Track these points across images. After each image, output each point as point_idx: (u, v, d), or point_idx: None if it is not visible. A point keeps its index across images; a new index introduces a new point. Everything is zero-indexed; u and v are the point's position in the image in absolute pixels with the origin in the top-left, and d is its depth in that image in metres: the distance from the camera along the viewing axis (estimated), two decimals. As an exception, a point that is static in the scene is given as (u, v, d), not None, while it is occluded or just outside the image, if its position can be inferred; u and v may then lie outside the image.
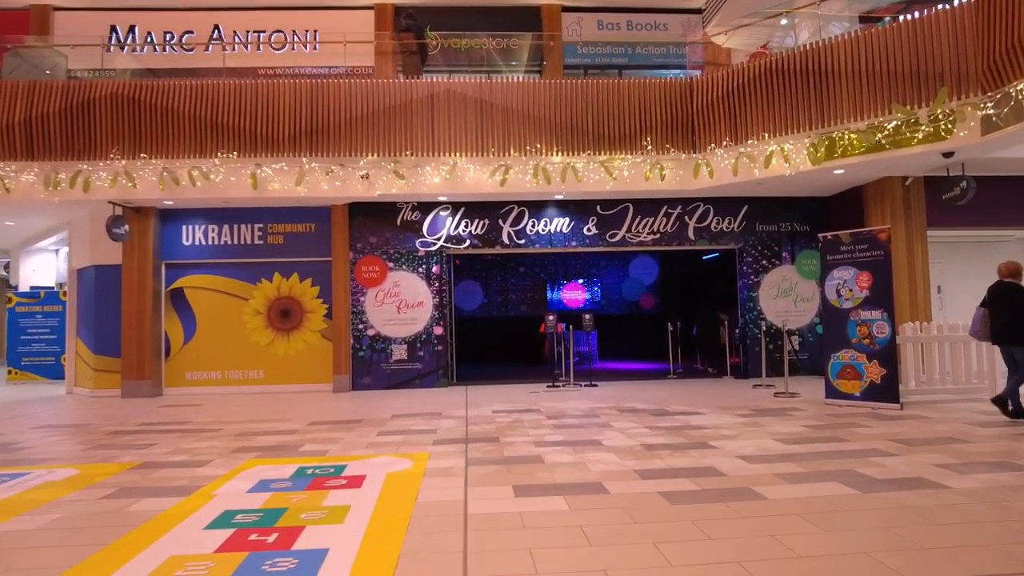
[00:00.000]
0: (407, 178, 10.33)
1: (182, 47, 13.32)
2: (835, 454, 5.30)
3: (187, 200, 10.50)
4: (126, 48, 13.29)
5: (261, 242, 11.37)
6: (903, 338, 8.07)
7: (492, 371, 13.93)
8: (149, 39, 13.32)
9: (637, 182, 10.61)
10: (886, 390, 7.46)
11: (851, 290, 7.91)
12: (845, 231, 8.25)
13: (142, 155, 10.15)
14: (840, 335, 7.96)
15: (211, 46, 12.92)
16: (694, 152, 10.75)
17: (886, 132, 8.72)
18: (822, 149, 9.36)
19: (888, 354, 7.48)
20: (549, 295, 16.89)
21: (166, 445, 6.35)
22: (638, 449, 5.61)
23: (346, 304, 11.06)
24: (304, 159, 10.29)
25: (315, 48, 13.03)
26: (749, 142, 10.08)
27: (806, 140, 9.52)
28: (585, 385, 10.80)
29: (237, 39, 13.07)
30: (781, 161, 9.80)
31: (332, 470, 5.10)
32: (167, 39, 13.17)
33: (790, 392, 9.07)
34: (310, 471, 5.08)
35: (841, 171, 9.77)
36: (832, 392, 8.02)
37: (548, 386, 10.77)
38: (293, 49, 13.14)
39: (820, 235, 8.48)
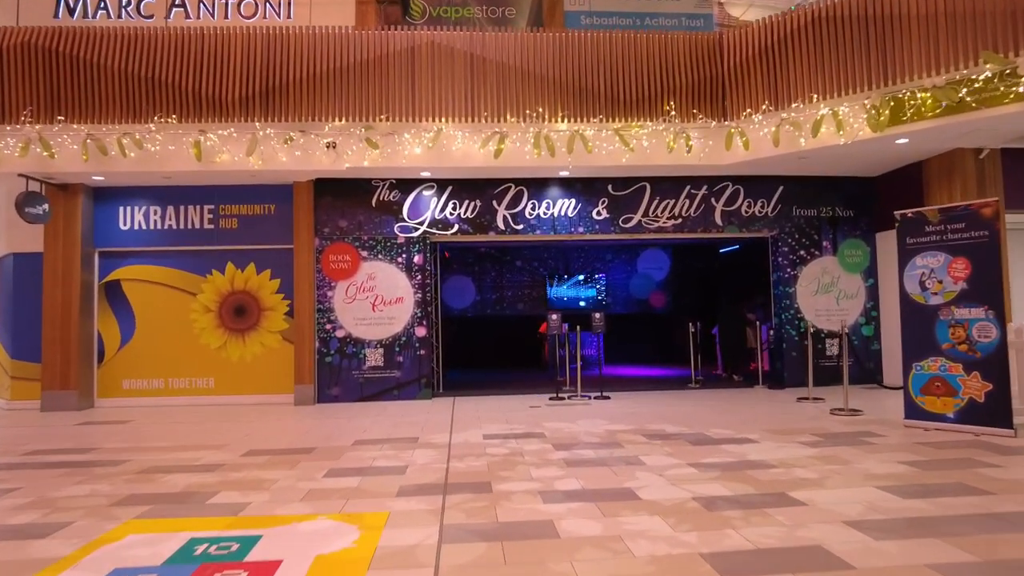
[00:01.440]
0: (382, 148, 8.58)
1: (139, 13, 11.53)
2: (986, 518, 3.59)
3: (118, 174, 8.71)
4: (76, 13, 11.48)
5: (212, 226, 9.60)
6: (1016, 343, 6.31)
7: (484, 379, 12.18)
8: (102, 5, 11.52)
9: (658, 155, 8.89)
10: (993, 411, 5.76)
11: (940, 281, 6.21)
12: (932, 207, 6.54)
13: (60, 118, 8.36)
14: (925, 339, 6.26)
15: (172, 12, 11.12)
16: (725, 119, 9.04)
17: (973, 87, 7.02)
18: (885, 112, 7.66)
19: (995, 364, 5.78)
20: (549, 292, 15.17)
21: (29, 491, 4.59)
22: (693, 508, 3.88)
23: (310, 300, 9.30)
24: (258, 124, 8.53)
25: (289, 16, 11.26)
26: (793, 106, 8.37)
27: (865, 101, 7.82)
28: (595, 397, 9.08)
29: (203, 7, 11.27)
30: (832, 129, 8.11)
31: (236, 546, 3.35)
32: (122, 4, 11.36)
33: (851, 409, 7.36)
34: (201, 548, 3.33)
35: (905, 140, 8.08)
36: (914, 411, 6.32)
37: (551, 398, 9.05)
38: (265, 17, 11.36)
39: (898, 213, 6.76)
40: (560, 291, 15.20)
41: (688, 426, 6.67)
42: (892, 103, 7.62)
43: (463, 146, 8.67)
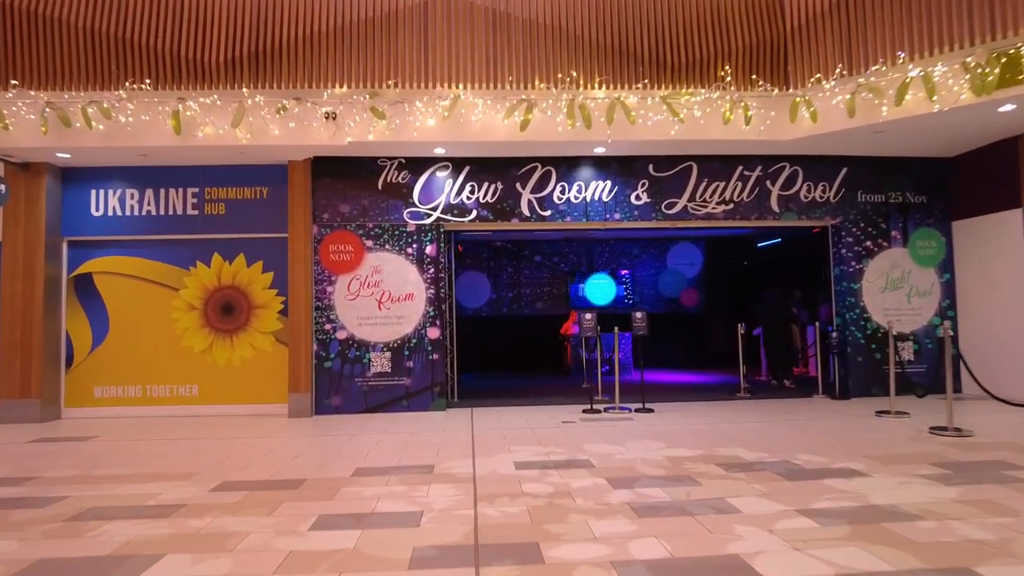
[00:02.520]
0: (389, 119, 7.37)
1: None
2: None
3: (85, 150, 7.54)
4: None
5: (196, 212, 8.41)
6: None
7: (503, 385, 10.95)
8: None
9: (712, 127, 7.64)
10: None
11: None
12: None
13: (14, 83, 7.20)
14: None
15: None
16: (788, 88, 7.78)
17: (1113, 35, 5.73)
18: (994, 72, 6.37)
19: None
20: (571, 290, 13.91)
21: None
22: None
23: (307, 296, 8.09)
24: (245, 92, 7.34)
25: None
26: (874, 68, 7.10)
27: (968, 59, 6.53)
28: (636, 409, 7.82)
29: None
30: (921, 95, 6.83)
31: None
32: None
33: (955, 428, 6.07)
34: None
35: (1011, 107, 6.79)
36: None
37: (585, 411, 7.80)
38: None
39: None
40: (583, 289, 13.93)
41: (767, 450, 5.41)
42: (1003, 60, 6.33)
43: (484, 117, 7.44)
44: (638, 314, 7.90)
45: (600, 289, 13.91)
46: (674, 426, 6.73)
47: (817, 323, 11.50)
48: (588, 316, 7.85)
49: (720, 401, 8.74)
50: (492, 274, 13.89)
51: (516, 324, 13.78)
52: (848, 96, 7.21)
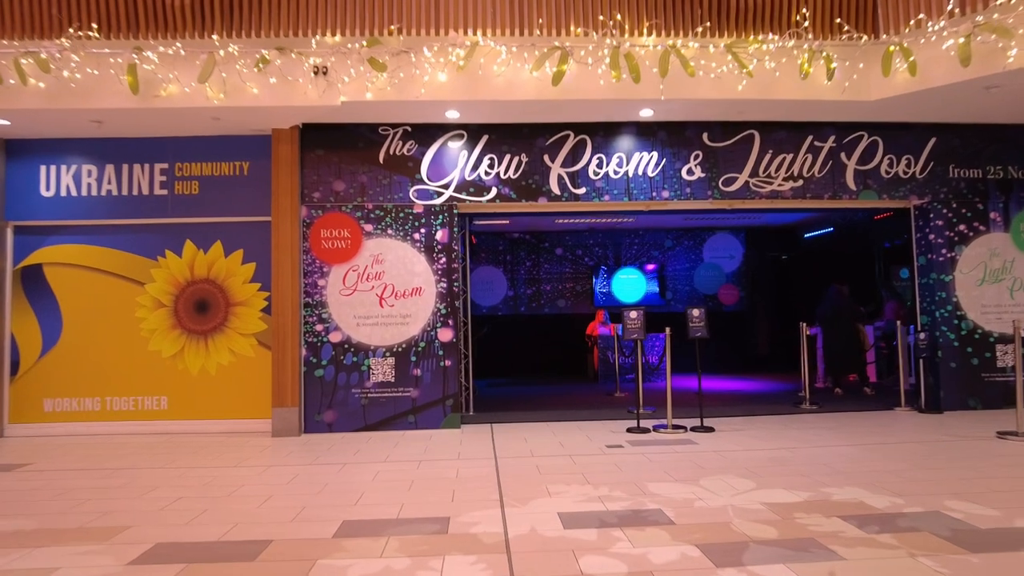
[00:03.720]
0: (392, 73, 6.03)
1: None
2: None
3: (25, 114, 6.24)
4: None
5: (165, 192, 7.10)
6: None
7: (524, 394, 9.58)
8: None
9: (786, 84, 6.25)
10: None
11: None
12: None
13: (-65, 30, 5.91)
14: None
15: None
16: (878, 35, 6.36)
17: None
18: None
19: None
20: (596, 286, 12.52)
21: None
22: None
23: (294, 291, 6.75)
24: (216, 40, 6.01)
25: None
26: (998, 3, 5.66)
27: None
28: (693, 428, 6.42)
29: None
30: (1058, 35, 5.39)
31: None
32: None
33: None
34: None
35: None
36: None
37: (631, 430, 6.40)
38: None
39: None
40: (610, 285, 12.53)
41: (897, 492, 4.00)
42: None
43: (507, 70, 6.08)
44: (695, 311, 6.50)
45: (629, 285, 12.51)
46: (750, 452, 5.33)
47: (876, 324, 10.10)
48: (633, 315, 6.45)
49: (785, 415, 7.32)
50: (509, 269, 12.52)
51: (535, 324, 12.41)
52: (961, 40, 5.78)
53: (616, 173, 7.05)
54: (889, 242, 12.03)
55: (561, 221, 11.39)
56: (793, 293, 12.57)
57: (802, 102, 6.48)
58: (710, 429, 6.38)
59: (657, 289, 12.54)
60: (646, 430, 6.37)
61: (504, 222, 11.43)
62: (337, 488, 4.46)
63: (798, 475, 4.51)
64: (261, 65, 5.97)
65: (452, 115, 6.62)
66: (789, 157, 7.22)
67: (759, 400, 8.53)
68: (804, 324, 8.11)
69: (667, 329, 6.45)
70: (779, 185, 7.20)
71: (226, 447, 6.14)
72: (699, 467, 4.84)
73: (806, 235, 12.43)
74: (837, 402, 8.09)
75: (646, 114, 6.76)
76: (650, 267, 12.60)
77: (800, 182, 7.23)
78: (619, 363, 9.59)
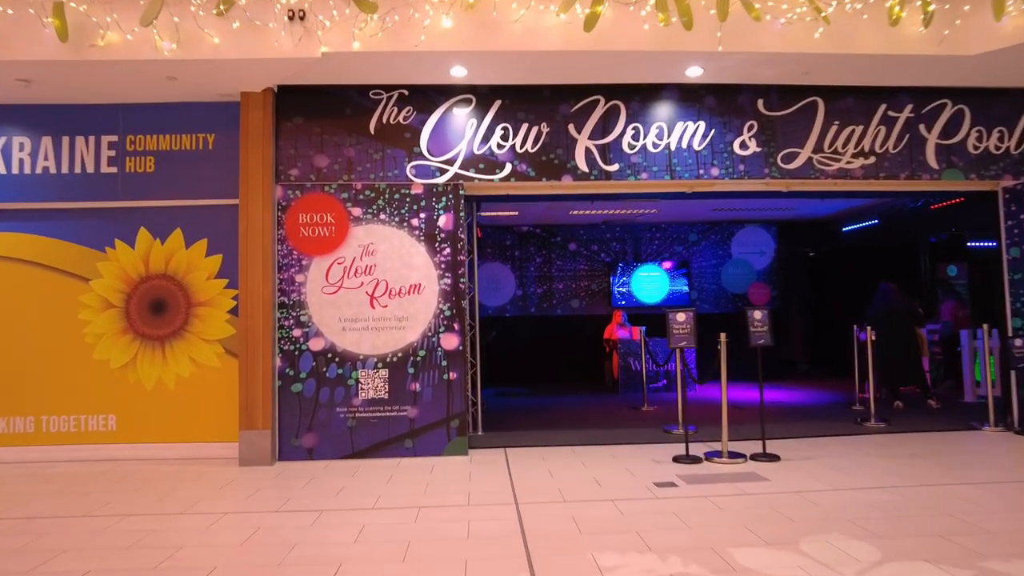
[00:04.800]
0: (384, 17, 4.85)
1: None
2: None
3: (-68, 70, 5.06)
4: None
5: (114, 170, 5.92)
6: None
7: (537, 406, 8.42)
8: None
9: (869, 34, 5.11)
10: None
11: None
12: None
13: None
14: None
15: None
16: (981, -26, 5.18)
17: None
18: None
19: None
20: (614, 285, 11.34)
21: None
22: None
23: (267, 288, 5.56)
24: (165, -26, 4.83)
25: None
26: None
27: None
28: (754, 457, 5.24)
29: None
30: None
31: None
32: None
33: None
34: None
35: None
36: None
37: (678, 459, 5.21)
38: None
39: None
40: (629, 283, 11.35)
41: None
42: None
43: (527, 14, 4.90)
44: (756, 314, 5.31)
45: (650, 283, 11.33)
46: (840, 493, 4.15)
47: (929, 326, 8.97)
48: (681, 317, 5.26)
49: (851, 436, 6.14)
50: (517, 265, 11.34)
51: (547, 326, 11.24)
52: (1092, -25, 4.62)
53: (656, 146, 5.87)
54: (935, 237, 10.90)
55: (575, 213, 10.23)
56: (829, 293, 11.42)
57: (884, 59, 5.31)
58: (774, 457, 5.20)
59: (682, 288, 11.35)
60: (697, 459, 5.19)
61: (512, 213, 10.27)
62: (307, 556, 3.28)
63: (932, 535, 3.34)
64: (223, 7, 4.79)
65: (458, 73, 5.43)
66: (859, 129, 6.04)
67: (807, 415, 7.36)
68: (859, 327, 6.93)
69: (722, 335, 5.26)
70: (848, 162, 6.02)
71: (180, 480, 4.95)
72: (787, 519, 3.66)
73: (844, 228, 11.27)
74: (906, 419, 6.92)
75: (694, 73, 5.58)
76: (668, 264, 11.41)
77: (872, 159, 6.05)
78: (656, 370, 8.42)
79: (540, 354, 11.00)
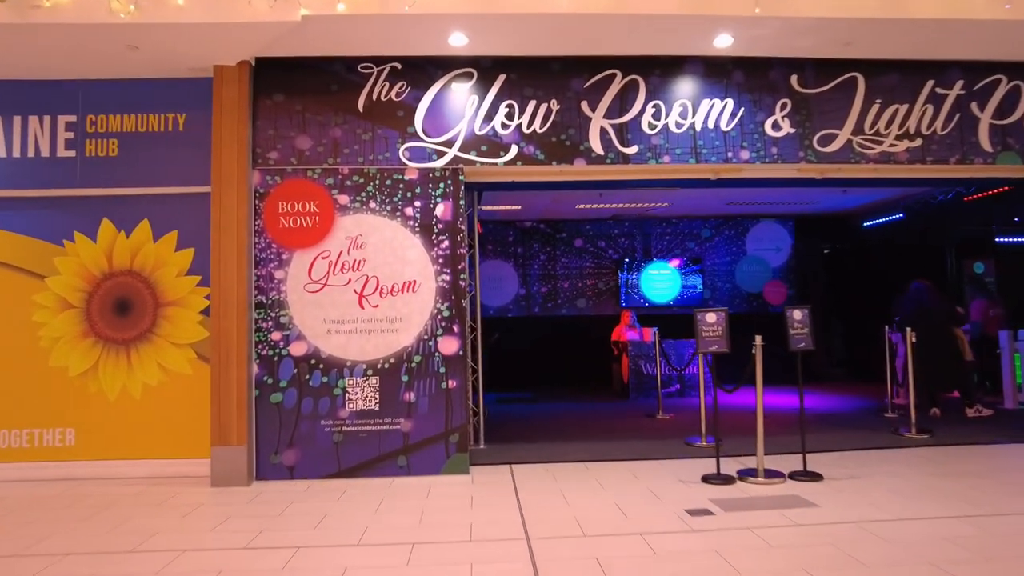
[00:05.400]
0: (373, -29, 4.22)
1: None
2: None
3: None
4: None
5: (71, 153, 5.29)
6: None
7: (543, 413, 7.80)
8: None
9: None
10: None
11: None
12: None
13: None
14: None
15: None
16: (1051, -72, 4.58)
17: None
18: None
19: None
20: (622, 282, 10.71)
21: None
22: None
23: (242, 286, 4.93)
24: (120, -76, 4.21)
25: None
26: None
27: None
28: (793, 476, 4.62)
29: None
30: None
31: None
32: None
33: None
34: None
35: None
36: None
37: (708, 478, 4.59)
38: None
39: None
40: (638, 281, 10.72)
41: None
42: None
43: (537, -29, 4.28)
44: (796, 313, 4.68)
45: (661, 282, 10.72)
46: (906, 524, 3.53)
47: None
48: (711, 317, 4.64)
49: (893, 449, 5.53)
50: (520, 263, 10.72)
51: (551, 327, 10.61)
52: None
53: (679, 126, 5.25)
54: (961, 232, 10.30)
55: (582, 207, 9.61)
56: (849, 292, 10.81)
57: (938, 25, 4.71)
58: (816, 476, 4.59)
59: (695, 286, 10.73)
60: (729, 478, 4.57)
61: (515, 207, 9.64)
62: (272, 611, 2.66)
63: (1039, 585, 2.72)
64: (187, -37, 4.17)
65: (457, 42, 4.81)
66: (903, 108, 5.43)
67: (839, 424, 6.75)
68: (891, 328, 6.32)
69: (758, 338, 4.63)
70: (891, 145, 5.40)
71: (140, 505, 4.33)
72: (855, 560, 3.04)
73: (865, 223, 10.66)
74: (947, 428, 6.30)
75: (722, 43, 4.96)
76: (676, 262, 10.78)
77: (918, 141, 5.44)
78: (662, 374, 7.79)
79: (544, 357, 10.39)
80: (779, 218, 10.93)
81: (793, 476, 4.63)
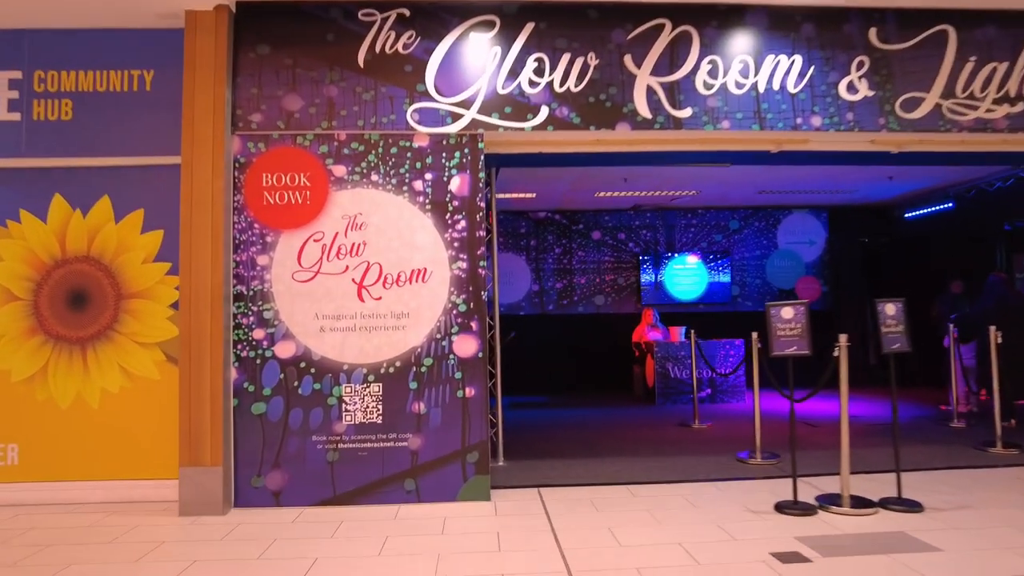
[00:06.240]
0: None
1: None
2: None
3: None
4: None
5: (15, 116, 4.46)
6: None
7: (563, 421, 6.97)
8: None
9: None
10: None
11: None
12: None
13: None
14: None
15: None
16: None
17: None
18: None
19: None
20: (643, 278, 9.88)
21: None
22: None
23: (217, 274, 4.10)
24: None
25: None
26: None
27: None
28: (886, 504, 3.79)
29: None
30: None
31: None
32: None
33: None
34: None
35: None
36: None
37: (783, 507, 3.77)
38: None
39: None
40: (661, 277, 9.90)
41: None
42: None
43: None
44: (890, 308, 3.86)
45: (686, 277, 9.90)
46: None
47: None
48: (788, 312, 3.82)
49: (983, 468, 4.72)
50: (533, 257, 9.89)
51: (567, 326, 9.79)
52: None
53: (739, 86, 4.42)
54: (1010, 224, 9.49)
55: (601, 195, 8.78)
56: (887, 289, 9.98)
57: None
58: (914, 505, 3.77)
59: (724, 282, 9.91)
60: (809, 508, 3.75)
61: (529, 195, 8.81)
62: None
63: None
64: None
65: (478, -22, 3.99)
66: (1002, 67, 4.61)
67: (903, 435, 5.92)
68: (993, 329, 5.50)
69: (842, 337, 3.80)
70: (988, 111, 4.58)
71: (87, 543, 3.50)
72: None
73: (907, 214, 9.84)
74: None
75: (795, -17, 4.15)
76: (693, 258, 9.94)
77: (1020, 106, 4.62)
78: (690, 381, 6.97)
79: (559, 358, 9.58)
80: (812, 209, 10.12)
81: (886, 504, 3.81)
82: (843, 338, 3.83)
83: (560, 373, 9.51)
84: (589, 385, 9.55)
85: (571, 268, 9.92)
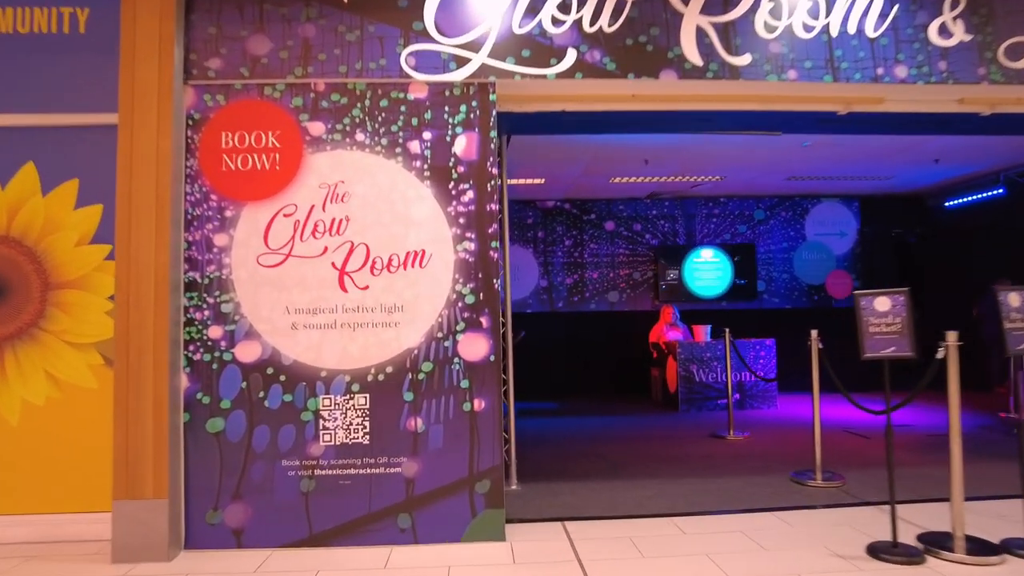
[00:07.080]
0: None
1: None
2: None
3: None
4: None
5: (-78, 68, 3.63)
6: None
7: (579, 432, 6.15)
8: None
9: None
10: None
11: None
12: None
13: None
14: None
15: None
16: None
17: None
18: None
19: None
20: (661, 273, 9.07)
21: None
22: None
23: (163, 256, 3.27)
24: None
25: None
26: None
27: None
28: (1011, 548, 2.98)
29: None
30: None
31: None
32: None
33: None
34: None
35: None
36: None
37: (876, 551, 2.95)
38: None
39: None
40: (681, 272, 9.08)
41: None
42: None
43: None
44: (1014, 298, 3.02)
45: (708, 272, 9.08)
46: None
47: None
48: (884, 304, 2.99)
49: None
50: (541, 250, 9.07)
51: (578, 325, 8.98)
52: None
53: (808, 29, 3.61)
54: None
55: (617, 181, 7.96)
56: (924, 285, 9.19)
57: None
58: (1049, 549, 2.96)
59: (747, 277, 9.10)
60: (914, 553, 2.94)
61: (537, 181, 7.98)
62: None
63: None
64: None
65: None
66: (1121, 8, 3.81)
67: (966, 448, 5.10)
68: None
69: (951, 335, 2.99)
70: (1106, 61, 3.78)
71: (-17, 604, 2.67)
72: None
73: (948, 203, 9.05)
74: None
75: None
76: (708, 253, 9.13)
77: None
78: (730, 385, 6.17)
79: (570, 360, 8.78)
80: (843, 198, 9.32)
81: (1009, 548, 3.00)
82: (952, 336, 3.02)
83: (570, 376, 8.70)
84: (602, 389, 8.75)
85: (582, 262, 9.10)
